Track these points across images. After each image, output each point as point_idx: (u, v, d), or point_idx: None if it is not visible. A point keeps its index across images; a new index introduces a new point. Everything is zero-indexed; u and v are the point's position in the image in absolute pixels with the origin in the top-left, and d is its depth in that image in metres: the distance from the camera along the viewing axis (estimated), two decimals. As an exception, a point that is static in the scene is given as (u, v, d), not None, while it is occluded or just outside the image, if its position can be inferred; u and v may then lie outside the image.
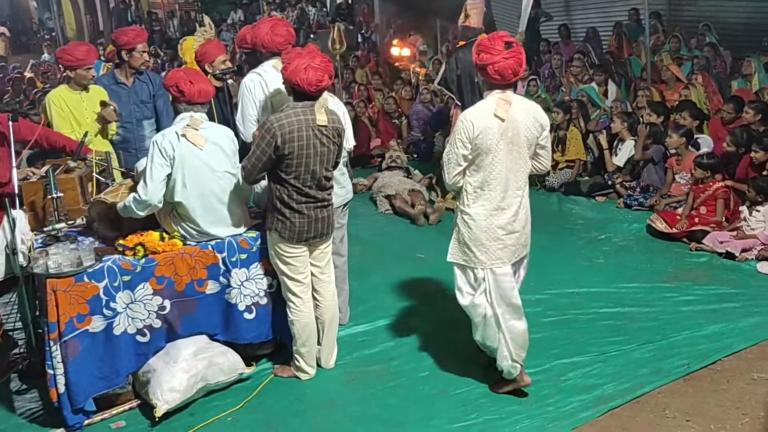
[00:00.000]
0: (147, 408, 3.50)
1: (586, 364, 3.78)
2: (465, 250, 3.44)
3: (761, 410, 3.34)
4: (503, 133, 3.30)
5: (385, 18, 13.67)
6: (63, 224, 3.66)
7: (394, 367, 3.88)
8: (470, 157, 3.34)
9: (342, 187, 4.08)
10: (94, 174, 4.03)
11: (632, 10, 10.13)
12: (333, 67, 3.58)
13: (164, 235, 3.62)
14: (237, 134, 3.91)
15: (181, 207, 3.58)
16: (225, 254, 3.66)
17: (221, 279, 3.69)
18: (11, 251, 3.49)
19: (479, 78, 3.44)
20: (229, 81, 5.08)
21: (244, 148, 3.78)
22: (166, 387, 3.42)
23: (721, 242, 5.17)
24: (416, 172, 7.42)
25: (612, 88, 8.14)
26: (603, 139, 6.92)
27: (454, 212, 3.82)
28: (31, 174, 3.95)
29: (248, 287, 3.73)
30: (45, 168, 3.94)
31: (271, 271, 3.75)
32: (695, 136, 6.21)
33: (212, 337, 3.73)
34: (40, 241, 3.66)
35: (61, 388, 3.34)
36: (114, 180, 4.11)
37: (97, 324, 3.40)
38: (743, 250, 5.05)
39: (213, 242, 3.65)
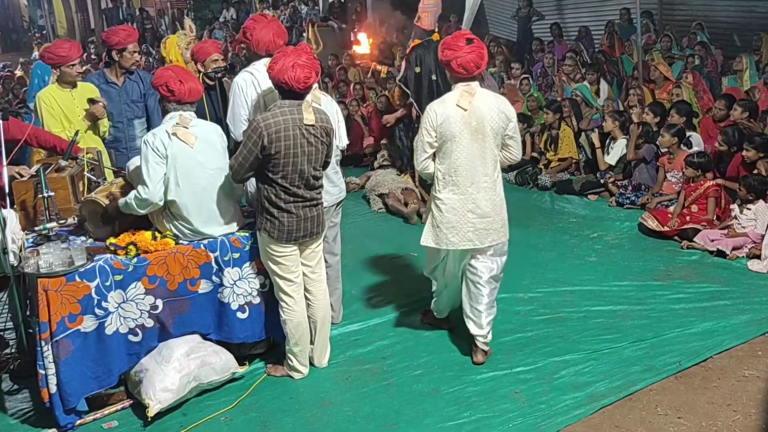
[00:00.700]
0: (139, 408, 3.49)
1: (578, 362, 3.79)
2: (437, 232, 3.72)
3: (752, 407, 3.36)
4: (466, 123, 3.58)
5: (377, 17, 13.65)
6: (54, 223, 3.63)
7: (388, 366, 3.88)
8: (436, 144, 3.64)
9: (335, 185, 4.07)
10: (85, 173, 4.01)
11: (623, 9, 10.16)
12: (319, 65, 3.58)
13: (156, 234, 3.61)
14: (228, 133, 3.90)
15: (174, 205, 3.57)
16: (218, 253, 3.65)
17: (214, 278, 3.68)
18: (2, 251, 3.46)
19: (438, 77, 3.71)
20: (224, 79, 5.06)
21: (236, 148, 3.76)
22: (158, 387, 3.41)
23: (713, 240, 5.20)
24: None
25: (604, 87, 8.16)
26: (595, 137, 6.95)
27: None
28: (18, 176, 3.92)
29: (241, 286, 3.73)
30: (35, 167, 3.92)
31: (263, 271, 3.74)
32: (687, 134, 6.24)
33: (205, 337, 3.72)
34: (31, 240, 3.64)
35: (53, 388, 3.33)
36: (105, 179, 4.09)
37: (88, 324, 3.38)
38: (734, 248, 5.08)
39: (205, 241, 3.65)
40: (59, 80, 4.65)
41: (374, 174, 7.22)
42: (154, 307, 3.54)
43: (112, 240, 3.55)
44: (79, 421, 3.45)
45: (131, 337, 3.52)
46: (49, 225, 3.59)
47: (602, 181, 6.72)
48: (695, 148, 6.08)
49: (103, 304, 3.41)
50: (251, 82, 3.89)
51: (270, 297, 3.78)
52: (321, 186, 3.67)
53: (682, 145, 6.09)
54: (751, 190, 5.23)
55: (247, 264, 3.73)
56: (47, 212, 3.62)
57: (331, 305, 3.99)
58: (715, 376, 3.64)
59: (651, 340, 3.98)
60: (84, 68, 6.97)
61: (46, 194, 3.61)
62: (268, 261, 3.64)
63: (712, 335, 3.99)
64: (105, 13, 20.97)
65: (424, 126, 3.64)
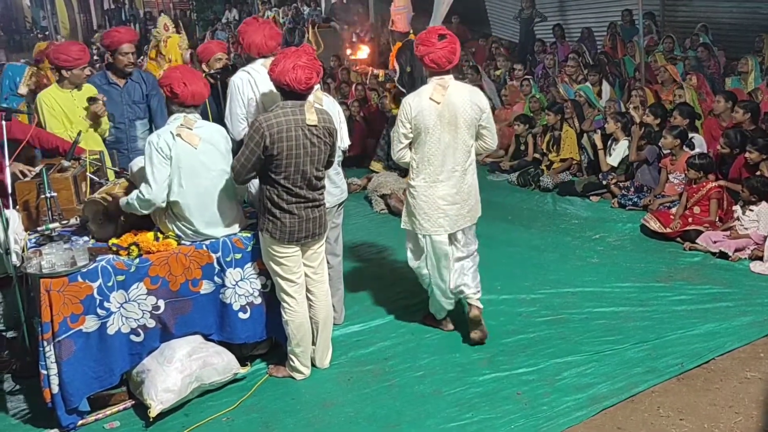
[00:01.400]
0: (141, 408, 3.50)
1: (580, 363, 3.79)
2: (412, 218, 3.96)
3: (754, 409, 3.36)
4: (440, 115, 3.76)
5: (380, 17, 13.66)
6: (57, 224, 3.64)
7: (389, 367, 3.88)
8: (411, 135, 3.84)
9: (337, 186, 4.08)
10: (87, 174, 4.02)
11: (625, 10, 10.15)
12: (321, 66, 3.59)
13: (159, 234, 3.61)
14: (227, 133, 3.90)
15: (177, 206, 3.57)
16: (220, 254, 3.65)
17: (216, 279, 3.68)
18: (4, 251, 3.47)
19: (426, 72, 3.81)
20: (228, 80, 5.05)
21: (237, 148, 3.76)
22: (160, 387, 3.41)
23: (715, 242, 5.20)
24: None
25: (606, 88, 8.15)
26: (598, 139, 6.94)
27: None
28: (21, 175, 3.92)
29: (243, 287, 3.73)
30: (39, 167, 3.93)
31: (265, 271, 3.75)
32: (690, 135, 6.23)
33: (207, 337, 3.72)
34: (33, 240, 3.64)
35: (55, 389, 3.33)
36: (108, 179, 4.10)
37: (90, 324, 3.39)
38: (736, 250, 5.07)
39: (207, 242, 3.65)
40: (60, 82, 4.64)
41: (376, 175, 7.23)
42: (156, 307, 3.55)
43: (114, 240, 3.55)
44: (81, 422, 3.46)
45: (133, 338, 3.52)
46: (51, 225, 3.60)
47: (604, 182, 6.72)
48: (697, 150, 6.07)
49: (105, 304, 3.41)
50: (248, 81, 3.89)
51: (272, 298, 3.78)
52: (323, 187, 3.68)
53: (684, 147, 6.09)
54: (753, 192, 5.23)
55: (249, 265, 3.73)
56: (50, 213, 3.63)
57: (333, 306, 3.99)
58: (717, 377, 3.63)
59: (653, 341, 3.97)
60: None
61: (48, 195, 3.61)
62: (270, 262, 3.64)
63: (715, 337, 3.98)
64: (107, 14, 21.01)
65: (400, 118, 3.84)
